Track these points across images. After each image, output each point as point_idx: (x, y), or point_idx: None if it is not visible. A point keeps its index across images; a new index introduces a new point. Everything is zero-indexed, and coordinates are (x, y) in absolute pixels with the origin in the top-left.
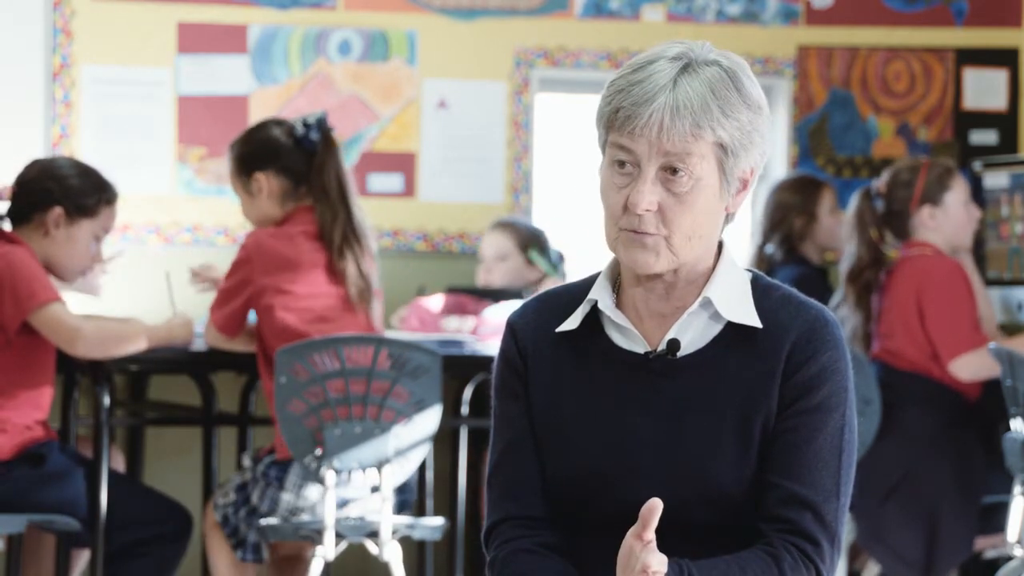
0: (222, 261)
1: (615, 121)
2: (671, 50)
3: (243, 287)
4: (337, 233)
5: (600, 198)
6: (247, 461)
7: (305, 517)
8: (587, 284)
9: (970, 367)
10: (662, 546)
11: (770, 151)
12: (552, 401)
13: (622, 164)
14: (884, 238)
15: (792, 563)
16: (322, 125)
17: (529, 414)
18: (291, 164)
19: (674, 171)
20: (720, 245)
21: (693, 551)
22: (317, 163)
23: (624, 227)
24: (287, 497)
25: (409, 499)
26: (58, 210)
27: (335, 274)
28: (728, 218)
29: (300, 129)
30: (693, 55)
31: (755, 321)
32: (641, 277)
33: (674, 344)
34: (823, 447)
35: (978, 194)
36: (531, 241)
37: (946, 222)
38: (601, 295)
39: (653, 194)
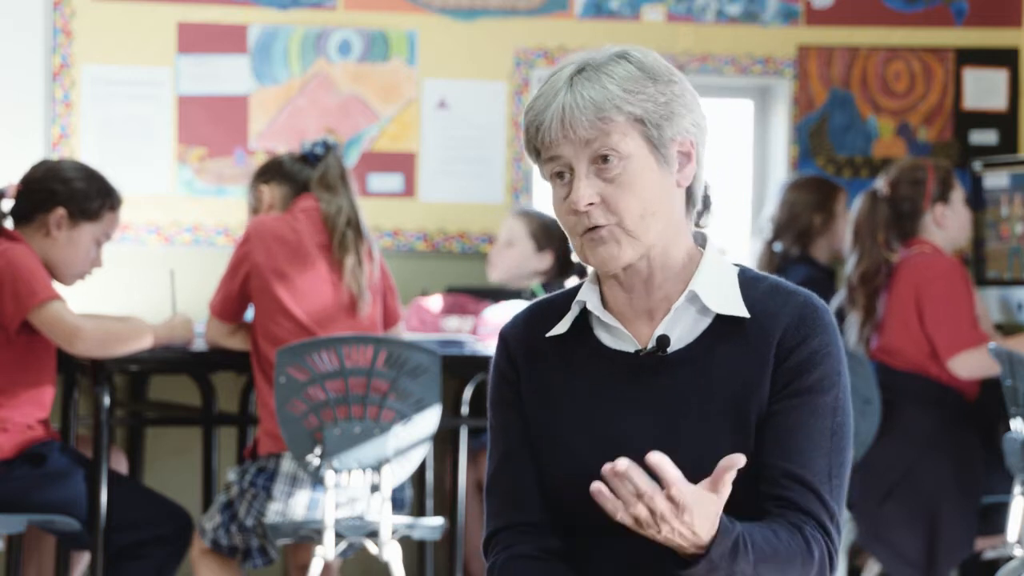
0: (222, 261)
1: (533, 138)
2: (573, 58)
3: (240, 266)
4: (340, 224)
5: (558, 220)
6: (232, 475)
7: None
8: (575, 291)
9: (969, 364)
10: (663, 546)
11: (702, 119)
12: (546, 407)
13: (560, 175)
14: (890, 241)
15: (811, 533)
16: (327, 142)
17: (524, 422)
18: (293, 173)
19: (604, 159)
20: (704, 239)
21: None
22: (321, 166)
23: (579, 232)
24: (275, 507)
25: (403, 497)
26: (60, 211)
27: (335, 263)
28: (690, 195)
29: (306, 147)
30: (590, 59)
31: (743, 311)
32: (618, 275)
33: (663, 340)
34: (814, 429)
35: (978, 194)
36: (542, 232)
37: (954, 220)
38: (589, 297)
39: (589, 187)
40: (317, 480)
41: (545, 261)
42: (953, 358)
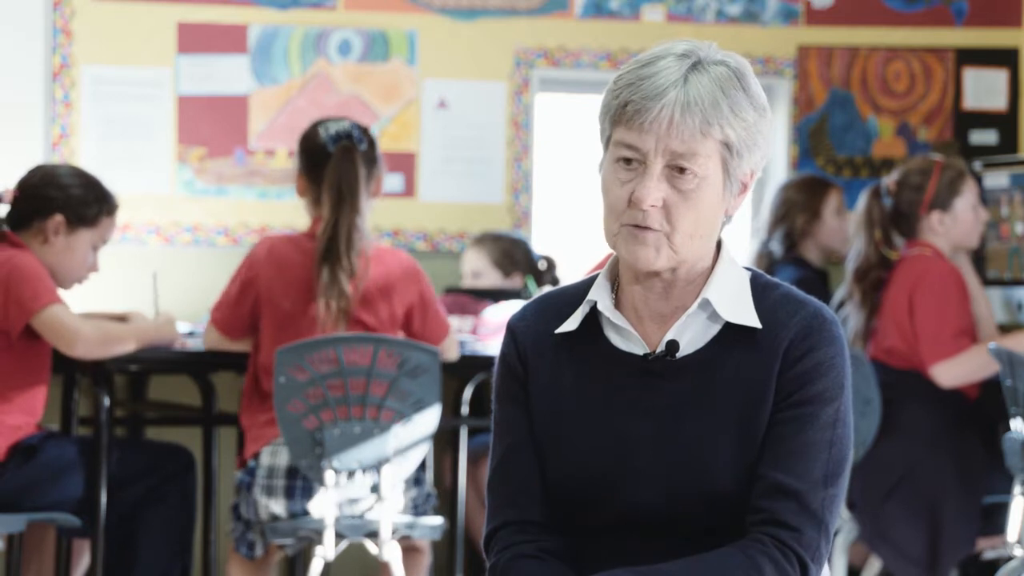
0: (222, 261)
1: (623, 115)
2: (678, 47)
3: (249, 290)
4: (321, 245)
5: (601, 193)
6: (239, 475)
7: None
8: (587, 285)
9: (950, 373)
10: (663, 548)
11: (771, 152)
12: (552, 404)
13: (628, 160)
14: (890, 238)
15: (763, 549)
16: (348, 133)
17: (529, 418)
18: (311, 168)
19: (680, 169)
20: (719, 244)
21: (694, 552)
22: (328, 169)
23: (626, 222)
24: (262, 512)
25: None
26: (59, 218)
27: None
28: (726, 220)
29: (331, 131)
30: (701, 54)
31: (754, 321)
32: (640, 275)
33: (673, 345)
34: (812, 439)
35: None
36: (504, 258)
37: (954, 227)
38: (600, 296)
39: (659, 190)
40: (291, 488)
41: (516, 283)
42: (933, 367)
